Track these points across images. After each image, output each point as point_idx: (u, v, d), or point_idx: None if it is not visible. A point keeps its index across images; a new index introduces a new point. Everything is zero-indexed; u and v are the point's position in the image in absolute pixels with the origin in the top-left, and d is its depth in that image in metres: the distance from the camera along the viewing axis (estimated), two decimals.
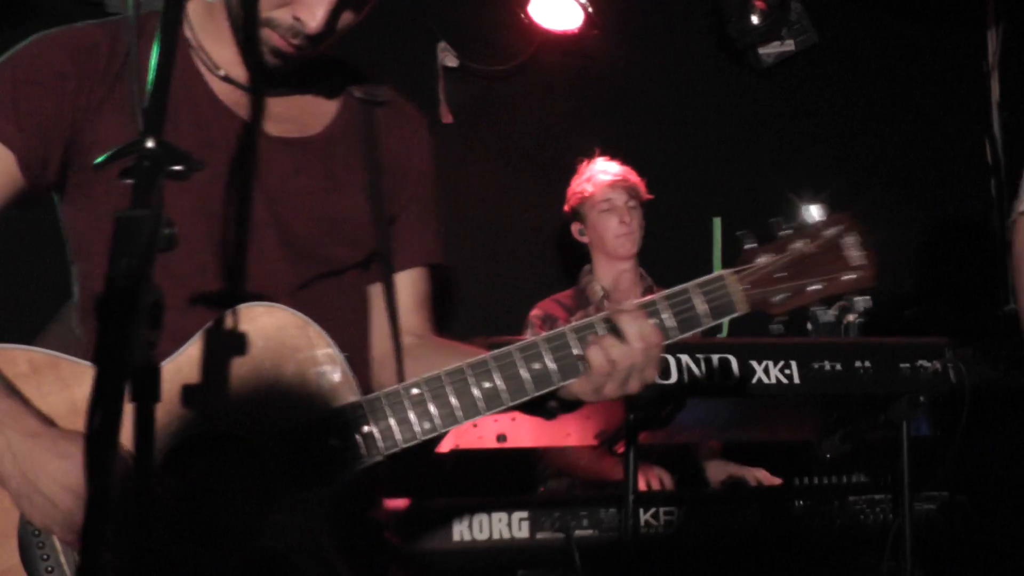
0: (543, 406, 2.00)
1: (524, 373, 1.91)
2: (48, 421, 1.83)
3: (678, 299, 1.94)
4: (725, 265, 4.84)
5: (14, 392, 1.84)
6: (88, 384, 1.68)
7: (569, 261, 5.06)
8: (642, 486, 4.08)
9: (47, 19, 5.20)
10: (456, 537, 3.43)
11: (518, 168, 5.44)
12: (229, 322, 1.85)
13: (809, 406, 3.64)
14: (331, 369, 1.90)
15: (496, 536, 3.50)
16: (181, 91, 1.95)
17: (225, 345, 1.85)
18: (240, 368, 1.86)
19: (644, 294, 4.66)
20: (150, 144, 1.41)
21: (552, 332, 1.95)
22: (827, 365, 3.36)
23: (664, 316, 1.93)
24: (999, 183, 6.06)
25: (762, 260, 1.97)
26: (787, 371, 3.34)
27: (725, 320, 1.98)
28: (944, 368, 3.37)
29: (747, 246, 1.98)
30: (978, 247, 6.12)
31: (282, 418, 1.87)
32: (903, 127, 6.14)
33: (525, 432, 3.62)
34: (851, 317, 4.33)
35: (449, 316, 4.74)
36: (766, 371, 3.33)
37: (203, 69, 2.05)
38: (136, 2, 1.76)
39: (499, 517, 3.51)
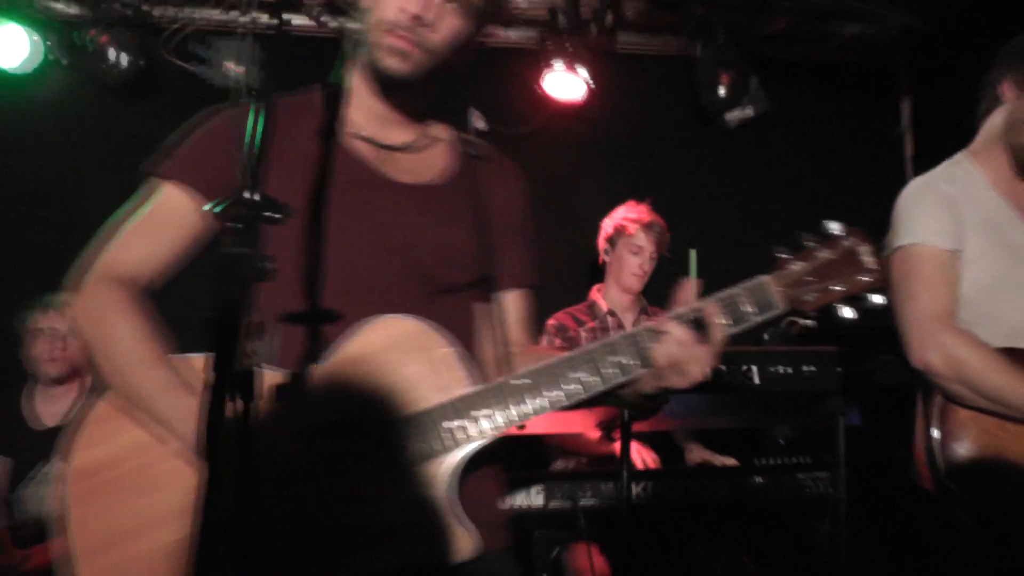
0: (625, 399, 1.97)
1: (607, 366, 1.88)
2: None
3: (730, 301, 1.92)
4: (701, 289, 4.89)
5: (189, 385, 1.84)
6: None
7: (579, 282, 5.05)
8: (635, 463, 4.15)
9: (169, 92, 5.39)
10: None
11: (537, 212, 5.48)
12: (366, 330, 1.87)
13: (766, 400, 3.63)
14: (449, 365, 1.88)
15: (517, 504, 3.54)
16: (325, 151, 1.99)
17: (363, 348, 1.86)
18: (374, 366, 1.86)
19: (639, 314, 4.71)
20: (253, 196, 1.44)
21: (629, 332, 1.91)
22: (780, 368, 3.38)
23: (720, 316, 1.90)
24: None
25: (794, 266, 1.98)
26: (749, 373, 3.35)
27: (768, 315, 1.95)
28: (870, 372, 3.40)
29: (780, 255, 1.99)
30: None
31: (409, 405, 1.86)
32: (834, 176, 6.13)
33: (540, 420, 3.63)
34: (796, 329, 4.37)
35: None
36: (732, 373, 3.34)
37: (343, 132, 2.05)
38: (243, 80, 1.74)
39: (519, 489, 3.56)
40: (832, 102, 6.20)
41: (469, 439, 1.84)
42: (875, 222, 6.73)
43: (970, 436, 2.64)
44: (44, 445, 4.57)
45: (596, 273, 4.88)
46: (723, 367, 3.32)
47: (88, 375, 4.72)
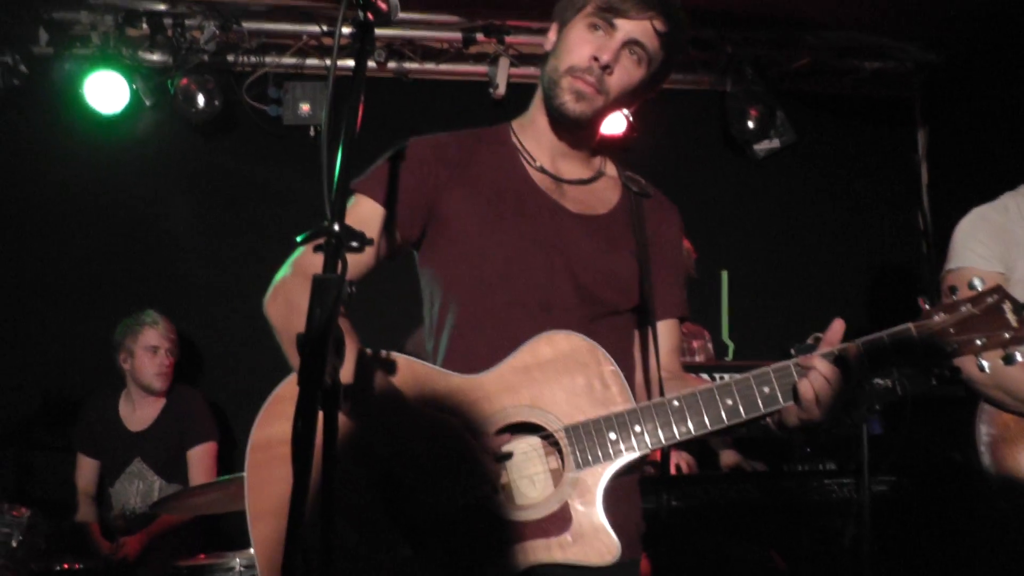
0: (770, 428, 1.96)
1: (757, 395, 1.88)
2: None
3: (873, 344, 1.88)
4: (731, 307, 4.95)
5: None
6: (433, 382, 1.92)
7: None
8: (673, 467, 4.17)
9: (244, 130, 5.55)
10: None
11: None
12: (540, 343, 1.93)
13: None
14: (612, 382, 1.91)
15: None
16: (509, 178, 2.09)
17: (533, 360, 1.91)
18: (542, 376, 1.91)
19: None
20: (335, 228, 1.48)
21: (780, 364, 1.90)
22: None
23: (864, 360, 1.87)
24: (928, 245, 6.05)
25: (937, 318, 1.91)
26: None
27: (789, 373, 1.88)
28: (892, 384, 3.41)
29: (925, 306, 1.93)
30: (913, 291, 6.10)
31: (573, 415, 1.89)
32: (855, 201, 6.16)
33: None
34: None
35: None
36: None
37: (524, 163, 2.12)
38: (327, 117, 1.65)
39: None
40: (853, 132, 6.23)
41: (624, 452, 1.87)
42: (894, 244, 6.76)
43: (1013, 437, 2.82)
44: (132, 447, 4.76)
45: None
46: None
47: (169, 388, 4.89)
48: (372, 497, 1.87)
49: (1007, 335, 1.91)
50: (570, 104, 2.03)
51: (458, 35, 5.55)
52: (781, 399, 1.88)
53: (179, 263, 5.52)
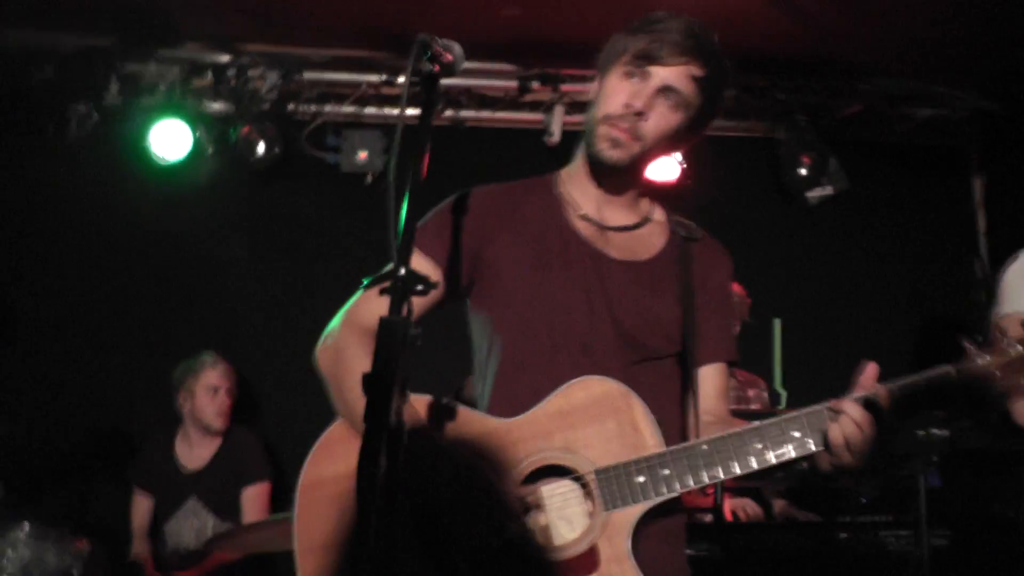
0: (803, 474, 2.00)
1: (786, 439, 1.86)
2: (440, 438, 1.93)
3: (909, 389, 1.86)
4: (784, 356, 4.92)
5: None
6: (469, 424, 1.96)
7: None
8: (729, 515, 4.16)
9: (303, 177, 5.68)
10: None
11: None
12: (574, 388, 1.95)
13: None
14: (643, 426, 1.92)
15: None
16: (552, 226, 2.11)
17: (567, 404, 1.94)
18: (575, 420, 1.92)
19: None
20: (401, 272, 1.52)
21: (809, 409, 1.88)
22: None
23: (899, 404, 1.84)
24: (986, 294, 5.99)
25: (981, 360, 1.84)
26: None
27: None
28: (951, 435, 3.34)
29: (967, 345, 1.86)
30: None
31: (602, 457, 1.91)
32: (911, 249, 6.11)
33: None
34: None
35: None
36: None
37: (568, 211, 2.14)
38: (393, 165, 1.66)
39: None
40: (907, 180, 6.20)
41: (654, 495, 1.87)
42: (948, 293, 6.67)
43: None
44: (187, 485, 4.84)
45: None
46: None
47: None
48: (410, 537, 1.90)
49: None
50: (606, 151, 2.05)
51: (514, 83, 5.64)
52: (812, 445, 1.85)
53: (237, 306, 5.64)
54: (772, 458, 1.86)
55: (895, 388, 1.85)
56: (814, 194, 6.00)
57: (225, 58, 5.50)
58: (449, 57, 1.73)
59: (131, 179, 5.64)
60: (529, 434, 1.95)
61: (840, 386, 4.80)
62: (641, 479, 1.88)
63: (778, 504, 4.56)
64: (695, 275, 2.16)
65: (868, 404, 1.82)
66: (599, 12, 5.04)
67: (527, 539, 1.89)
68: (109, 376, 5.50)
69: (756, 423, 1.91)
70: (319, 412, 2.01)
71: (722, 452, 1.87)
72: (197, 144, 5.54)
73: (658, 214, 2.25)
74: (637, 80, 2.05)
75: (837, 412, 1.82)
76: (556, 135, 5.68)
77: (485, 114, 5.82)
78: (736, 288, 4.63)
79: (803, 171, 5.84)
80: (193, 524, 4.80)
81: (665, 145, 2.10)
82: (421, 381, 1.93)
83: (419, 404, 1.98)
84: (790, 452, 1.85)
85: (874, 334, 5.88)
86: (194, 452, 4.94)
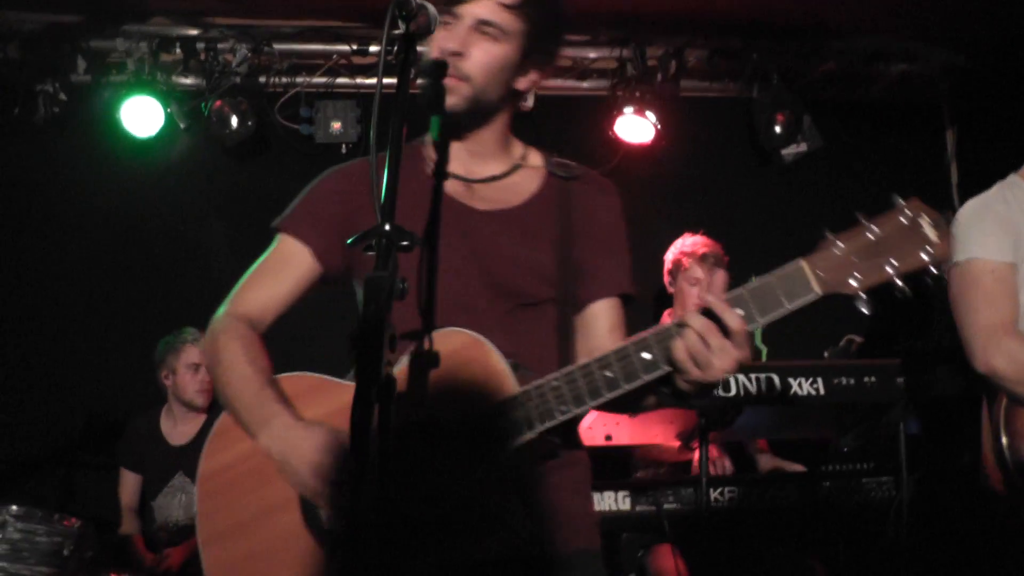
0: (660, 390, 1.87)
1: (636, 362, 1.78)
2: (305, 422, 1.89)
3: (759, 289, 1.77)
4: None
5: (285, 402, 1.93)
6: (340, 396, 1.93)
7: (649, 311, 5.12)
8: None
9: (277, 150, 5.65)
10: None
11: None
12: (426, 344, 1.89)
13: (831, 412, 3.64)
14: (497, 372, 1.87)
15: (606, 508, 3.57)
16: (417, 192, 2.05)
17: (424, 359, 1.88)
18: (433, 373, 1.86)
19: None
20: (386, 227, 1.54)
21: (660, 327, 1.79)
22: (844, 380, 3.39)
23: (749, 304, 1.76)
24: None
25: (836, 248, 1.75)
26: (815, 385, 3.38)
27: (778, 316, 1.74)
28: (928, 381, 3.42)
29: (825, 236, 1.77)
30: (946, 292, 6.08)
31: (464, 408, 1.86)
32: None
33: (625, 433, 3.67)
34: (855, 347, 4.39)
35: None
36: (800, 385, 3.37)
37: (432, 173, 2.11)
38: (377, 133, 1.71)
39: (608, 495, 3.59)
40: (881, 137, 6.23)
41: (514, 437, 1.83)
42: None
43: None
44: (175, 461, 4.86)
45: (667, 300, 4.99)
46: (791, 379, 3.38)
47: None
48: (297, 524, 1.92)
49: (925, 255, 1.73)
50: (448, 102, 2.00)
51: None
52: (664, 364, 1.77)
53: (216, 282, 5.59)
54: (624, 385, 1.79)
55: (746, 291, 1.76)
56: (789, 153, 6.02)
57: (194, 32, 5.46)
58: (424, 18, 1.73)
59: (103, 158, 5.61)
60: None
61: (819, 340, 4.86)
62: (500, 424, 1.85)
63: (765, 459, 4.61)
64: (576, 215, 2.12)
65: (708, 313, 1.74)
66: None
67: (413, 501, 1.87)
68: (90, 357, 5.49)
69: (605, 351, 1.85)
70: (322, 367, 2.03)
71: (573, 386, 1.82)
72: (169, 120, 5.51)
73: (533, 158, 2.20)
74: (451, 25, 1.99)
75: (681, 326, 1.75)
76: (530, 100, 5.61)
77: None
78: (712, 248, 4.64)
79: (778, 130, 5.84)
80: (181, 500, 4.82)
81: (502, 79, 2.03)
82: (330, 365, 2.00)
83: (287, 384, 1.99)
84: (641, 376, 1.79)
85: None
86: (179, 428, 4.95)
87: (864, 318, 1.85)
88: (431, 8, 1.74)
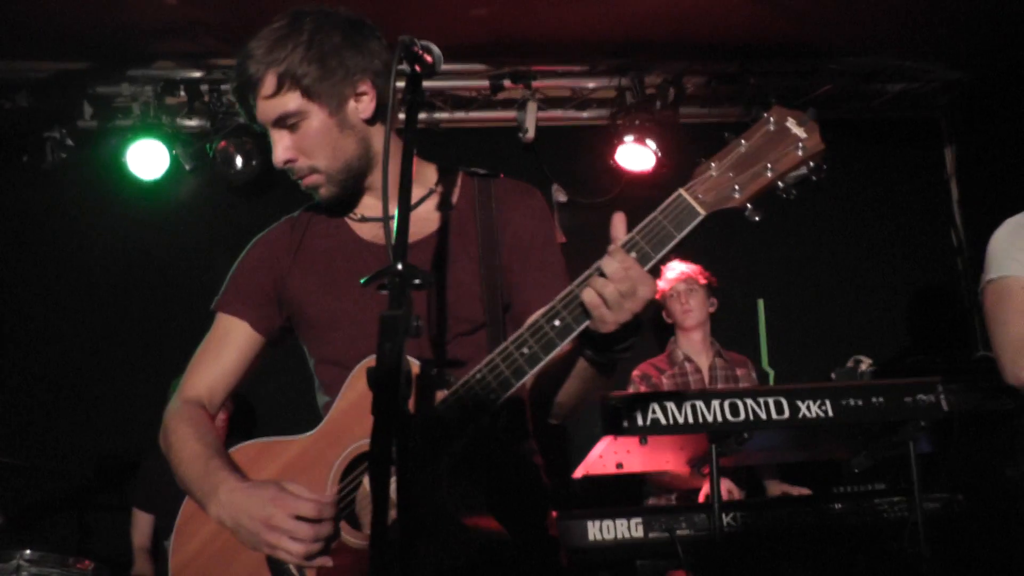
0: (591, 354, 1.83)
1: (549, 331, 1.74)
2: (249, 482, 1.90)
3: (648, 227, 1.74)
4: (769, 335, 5.00)
5: (232, 469, 1.95)
6: (288, 452, 1.96)
7: (661, 336, 5.19)
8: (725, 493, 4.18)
9: (282, 188, 5.71)
10: (590, 537, 3.48)
11: None
12: (355, 378, 1.90)
13: (840, 433, 3.61)
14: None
15: (619, 536, 3.53)
16: (337, 242, 2.09)
17: (356, 395, 1.88)
18: (366, 404, 1.69)
19: (714, 358, 4.85)
20: (399, 267, 1.56)
21: (561, 293, 1.76)
22: (851, 401, 3.37)
23: (641, 244, 1.73)
24: (963, 262, 6.09)
25: (711, 169, 1.76)
26: (823, 407, 3.36)
27: (687, 228, 1.74)
28: (937, 400, 3.39)
29: (699, 162, 1.78)
30: (951, 309, 6.14)
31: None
32: (888, 222, 6.19)
33: (636, 460, 3.65)
34: (863, 367, 4.40)
35: None
36: (808, 408, 3.36)
37: (348, 221, 2.11)
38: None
39: (621, 522, 3.54)
40: (881, 155, 6.27)
41: (449, 442, 1.78)
42: (928, 263, 6.75)
43: None
44: None
45: (668, 329, 5.04)
46: (799, 402, 3.40)
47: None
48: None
49: (799, 151, 1.75)
50: (317, 199, 2.05)
51: (486, 83, 5.71)
52: (574, 324, 1.75)
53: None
54: (543, 356, 1.75)
55: (636, 234, 1.74)
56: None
57: (198, 74, 5.54)
58: (429, 58, 1.76)
59: (110, 202, 5.69)
60: (334, 435, 1.92)
61: (827, 361, 4.85)
62: (432, 435, 1.79)
63: (772, 485, 4.63)
64: (500, 224, 2.08)
65: (610, 256, 1.74)
66: (567, 8, 5.12)
67: (356, 530, 1.86)
68: (101, 399, 5.52)
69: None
70: (314, 422, 2.03)
71: (496, 372, 1.77)
72: (175, 162, 5.57)
73: (447, 178, 2.17)
74: (275, 130, 2.00)
75: (587, 277, 1.74)
76: (531, 131, 5.73)
77: (459, 115, 5.87)
78: (679, 264, 4.79)
79: None
80: None
81: (342, 136, 2.00)
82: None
83: (240, 454, 2.02)
84: (557, 343, 1.75)
85: (857, 308, 5.96)
86: None
87: (872, 339, 1.85)
88: (435, 49, 1.77)
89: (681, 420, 3.36)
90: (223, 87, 5.54)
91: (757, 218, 1.77)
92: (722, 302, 5.05)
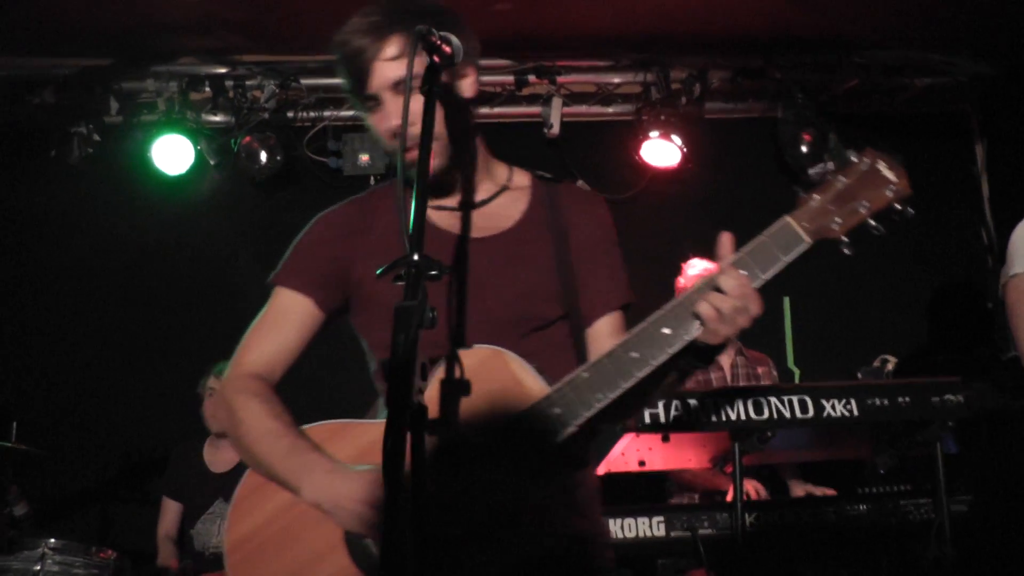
0: (684, 361, 1.92)
1: (658, 338, 1.84)
2: (339, 464, 1.91)
3: (756, 249, 1.88)
4: (795, 333, 4.95)
5: (319, 450, 1.95)
6: (366, 435, 1.96)
7: None
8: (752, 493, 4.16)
9: (305, 183, 5.73)
10: (613, 536, 3.44)
11: (638, 267, 5.58)
12: (446, 366, 1.89)
13: (865, 432, 3.61)
14: (523, 378, 1.89)
15: (641, 534, 3.51)
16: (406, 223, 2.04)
17: (447, 382, 1.88)
18: (458, 393, 1.87)
19: (735, 356, 4.80)
20: (415, 258, 1.57)
21: (670, 302, 1.87)
22: (877, 401, 3.35)
23: (751, 264, 1.86)
24: (994, 260, 5.97)
25: (813, 201, 1.90)
26: (848, 406, 3.34)
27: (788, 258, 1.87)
28: (965, 400, 3.35)
29: (800, 194, 1.92)
30: (981, 308, 6.03)
31: (496, 418, 1.87)
32: (917, 218, 6.11)
33: (658, 458, 3.65)
34: (890, 367, 4.36)
35: None
36: (833, 407, 3.33)
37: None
38: (401, 172, 1.76)
39: (643, 520, 3.52)
40: (910, 151, 6.09)
41: (556, 435, 1.85)
42: (957, 260, 6.64)
43: None
44: (216, 488, 4.91)
45: None
46: (823, 401, 3.36)
47: None
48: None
49: (889, 192, 1.92)
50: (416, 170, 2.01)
51: (510, 78, 5.69)
52: (683, 334, 1.85)
53: (249, 315, 5.66)
54: (653, 361, 1.85)
55: (745, 254, 1.88)
56: (816, 170, 5.95)
57: (222, 70, 5.56)
58: (448, 49, 1.75)
59: (136, 196, 5.72)
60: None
61: (853, 360, 4.80)
62: (538, 424, 1.87)
63: (795, 485, 4.59)
64: (569, 229, 2.13)
65: (723, 274, 1.86)
66: (591, 2, 5.09)
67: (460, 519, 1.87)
68: (126, 392, 5.56)
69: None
70: (337, 410, 2.04)
71: (603, 373, 1.86)
72: (199, 157, 5.60)
73: (518, 178, 2.20)
74: (377, 108, 1.99)
75: (701, 291, 1.85)
76: (555, 127, 5.71)
77: (483, 110, 5.85)
78: (706, 269, 4.65)
79: (804, 148, 5.83)
80: (220, 526, 4.86)
81: (452, 112, 2.00)
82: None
83: (314, 433, 2.00)
84: (667, 349, 1.85)
85: (885, 306, 5.89)
86: (220, 456, 5.02)
87: (900, 338, 1.91)
88: (454, 39, 1.77)
89: (704, 418, 3.34)
90: (248, 83, 5.56)
91: (849, 251, 1.94)
92: None
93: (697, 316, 1.84)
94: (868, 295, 5.97)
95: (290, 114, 5.73)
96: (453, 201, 2.11)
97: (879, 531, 3.68)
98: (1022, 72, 5.77)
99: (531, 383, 1.90)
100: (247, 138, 5.56)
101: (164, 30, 5.21)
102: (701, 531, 3.54)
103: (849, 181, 1.92)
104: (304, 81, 5.58)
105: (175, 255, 5.75)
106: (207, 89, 5.57)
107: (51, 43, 5.29)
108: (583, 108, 5.82)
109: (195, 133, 5.57)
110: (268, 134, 5.57)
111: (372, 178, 5.66)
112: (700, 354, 1.91)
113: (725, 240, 1.90)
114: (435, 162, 1.96)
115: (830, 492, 4.38)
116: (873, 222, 1.92)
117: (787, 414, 3.32)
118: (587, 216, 2.17)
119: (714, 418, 3.33)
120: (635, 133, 5.75)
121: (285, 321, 2.11)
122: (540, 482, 1.85)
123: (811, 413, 3.33)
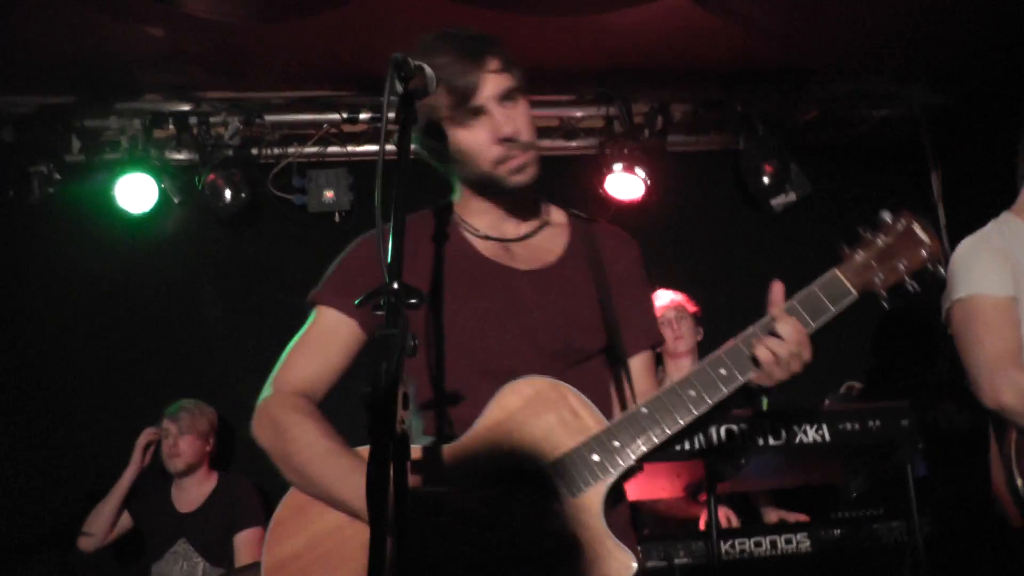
0: (735, 399, 2.02)
1: (715, 378, 1.95)
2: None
3: (807, 298, 2.03)
4: None
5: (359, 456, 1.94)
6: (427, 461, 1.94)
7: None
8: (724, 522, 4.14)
9: (270, 220, 5.67)
10: None
11: None
12: (505, 395, 1.96)
13: (837, 457, 3.61)
14: (581, 411, 1.96)
15: None
16: (455, 255, 2.09)
17: (503, 413, 1.95)
18: (515, 423, 1.94)
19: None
20: (395, 286, 1.58)
21: (727, 346, 1.99)
22: (848, 425, 3.38)
23: (802, 313, 2.01)
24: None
25: (858, 256, 2.07)
26: (820, 431, 3.37)
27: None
28: (934, 421, 3.41)
29: (844, 248, 2.09)
30: (940, 336, 6.08)
31: (552, 450, 1.92)
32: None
33: (632, 488, 3.64)
34: (855, 393, 4.38)
35: None
36: (804, 432, 3.36)
37: (468, 235, 2.14)
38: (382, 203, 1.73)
39: None
40: (868, 180, 6.25)
41: (611, 469, 1.91)
42: (919, 286, 6.70)
43: None
44: (179, 527, 4.86)
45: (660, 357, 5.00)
46: (795, 426, 3.35)
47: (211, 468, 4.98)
48: None
49: (924, 252, 2.07)
50: (520, 180, 2.06)
51: None
52: (739, 375, 1.97)
53: (215, 353, 5.61)
54: (709, 400, 1.96)
55: (796, 303, 2.04)
56: (778, 201, 6.05)
57: (186, 107, 5.52)
58: (420, 79, 1.76)
59: (99, 236, 5.63)
60: (475, 450, 1.94)
61: (817, 389, 4.81)
62: (596, 458, 1.92)
63: (769, 512, 4.58)
64: (605, 265, 2.19)
65: (778, 322, 1.99)
66: (551, 37, 5.12)
67: (504, 544, 1.88)
68: (89, 435, 5.43)
69: (685, 374, 2.00)
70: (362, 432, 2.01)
71: (661, 409, 1.96)
72: (163, 195, 5.54)
73: (555, 215, 2.26)
74: (482, 116, 2.03)
75: (760, 336, 1.97)
76: None
77: None
78: (679, 301, 4.77)
79: (766, 179, 5.89)
80: (183, 567, 4.77)
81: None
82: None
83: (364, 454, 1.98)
84: (723, 389, 1.97)
85: (847, 335, 5.92)
86: (185, 495, 4.95)
87: (862, 362, 1.98)
88: (427, 69, 1.78)
89: (677, 447, 3.32)
90: (212, 119, 5.52)
91: (887, 306, 2.10)
92: (709, 330, 5.02)
93: (755, 359, 1.96)
94: (832, 324, 5.99)
95: (254, 151, 5.68)
96: (499, 231, 2.16)
97: (853, 555, 3.68)
98: (973, 101, 5.88)
99: (588, 416, 1.97)
100: (211, 175, 5.51)
101: (127, 66, 5.16)
102: (677, 560, 3.53)
103: (889, 240, 2.08)
104: (268, 117, 5.55)
105: (139, 294, 5.67)
106: (171, 126, 5.52)
107: (9, 80, 5.22)
108: (546, 142, 5.82)
109: (159, 171, 5.51)
110: (233, 171, 5.53)
111: (337, 214, 5.63)
112: (749, 394, 2.02)
113: (777, 288, 2.04)
114: (531, 172, 2.07)
115: (803, 518, 4.38)
116: (907, 279, 2.07)
117: (759, 441, 3.33)
118: (623, 254, 2.25)
119: (687, 446, 3.31)
120: (599, 166, 5.78)
121: (328, 342, 2.12)
122: (594, 512, 1.90)
123: (784, 439, 3.35)
